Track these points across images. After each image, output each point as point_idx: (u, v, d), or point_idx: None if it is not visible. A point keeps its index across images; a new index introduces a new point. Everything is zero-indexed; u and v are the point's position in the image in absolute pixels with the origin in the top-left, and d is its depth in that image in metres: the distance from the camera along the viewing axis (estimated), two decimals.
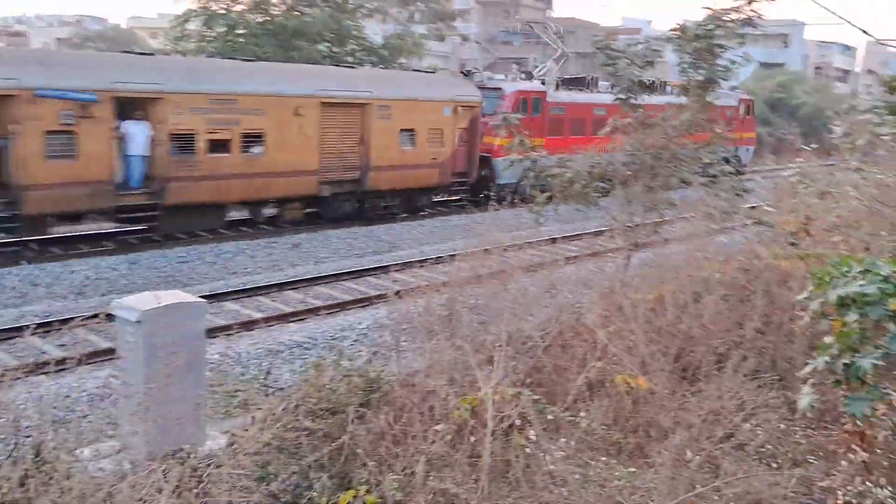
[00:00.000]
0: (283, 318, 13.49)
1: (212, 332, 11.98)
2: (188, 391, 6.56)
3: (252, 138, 18.26)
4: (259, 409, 7.64)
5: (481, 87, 23.97)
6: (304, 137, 19.12)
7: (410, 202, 22.26)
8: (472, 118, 22.86)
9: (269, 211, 20.20)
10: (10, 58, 16.43)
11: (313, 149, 19.30)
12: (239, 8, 31.73)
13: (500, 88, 24.56)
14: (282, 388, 9.23)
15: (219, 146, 17.73)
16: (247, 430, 6.96)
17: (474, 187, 23.06)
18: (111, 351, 10.10)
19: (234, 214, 20.13)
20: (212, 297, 14.02)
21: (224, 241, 18.21)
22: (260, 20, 31.63)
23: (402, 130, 21.18)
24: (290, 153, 18.90)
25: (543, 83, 26.40)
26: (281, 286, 15.36)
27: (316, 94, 19.36)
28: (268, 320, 13.21)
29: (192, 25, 31.65)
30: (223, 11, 31.35)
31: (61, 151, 15.52)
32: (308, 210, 20.63)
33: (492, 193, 16.42)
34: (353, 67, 23.96)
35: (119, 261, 16.10)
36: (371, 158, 20.46)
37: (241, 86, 18.08)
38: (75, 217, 16.83)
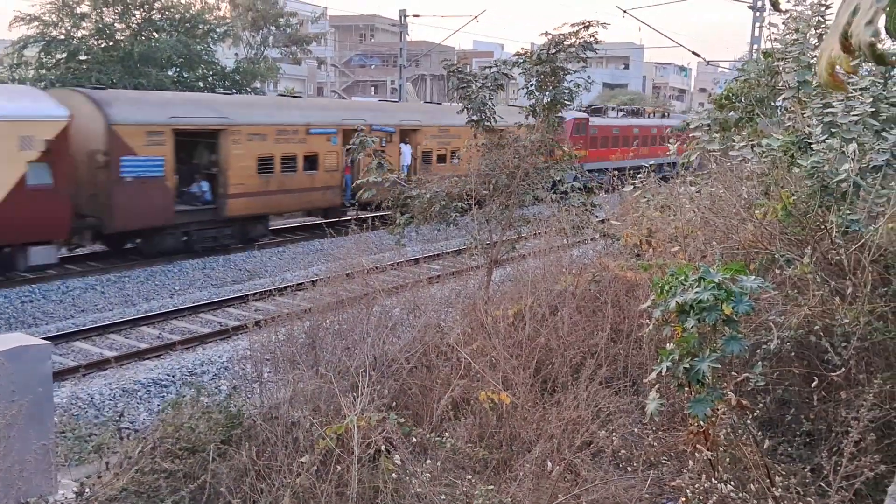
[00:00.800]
0: (138, 355, 12.92)
1: (61, 375, 11.33)
2: (34, 440, 6.17)
3: (453, 152, 27.16)
4: (114, 453, 7.26)
5: None
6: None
7: None
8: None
9: None
10: (360, 106, 28.43)
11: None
12: (80, 34, 30.26)
13: (563, 116, 33.67)
14: (137, 430, 8.81)
15: (441, 158, 27.63)
16: (101, 476, 6.60)
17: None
18: None
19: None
20: (59, 338, 13.29)
21: (71, 277, 17.22)
22: (104, 46, 30.29)
23: None
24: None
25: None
26: (134, 322, 14.69)
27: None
28: (121, 359, 12.59)
29: (31, 52, 29.91)
30: (62, 37, 29.81)
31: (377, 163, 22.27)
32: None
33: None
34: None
35: None
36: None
37: (451, 120, 24.86)
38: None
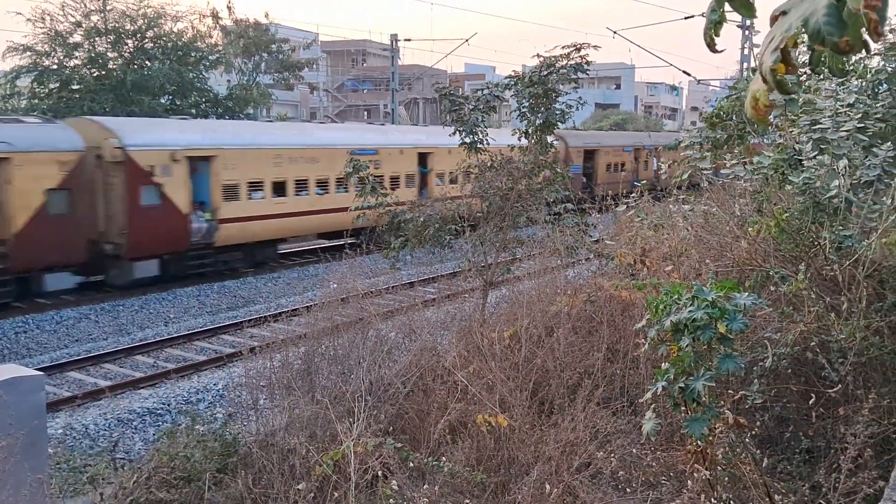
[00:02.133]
0: (133, 384, 12.84)
1: (55, 406, 11.25)
2: (29, 472, 6.10)
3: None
4: (109, 483, 7.19)
5: None
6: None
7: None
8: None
9: None
10: (640, 136, 40.96)
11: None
12: (73, 63, 30.39)
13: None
14: (132, 460, 8.73)
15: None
16: None
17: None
18: None
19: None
20: (53, 368, 13.22)
21: (65, 307, 17.16)
22: (96, 75, 30.41)
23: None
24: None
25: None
26: (129, 351, 14.62)
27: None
28: (116, 388, 12.50)
29: (23, 82, 30.03)
30: (55, 67, 29.93)
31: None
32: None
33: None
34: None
35: None
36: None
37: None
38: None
